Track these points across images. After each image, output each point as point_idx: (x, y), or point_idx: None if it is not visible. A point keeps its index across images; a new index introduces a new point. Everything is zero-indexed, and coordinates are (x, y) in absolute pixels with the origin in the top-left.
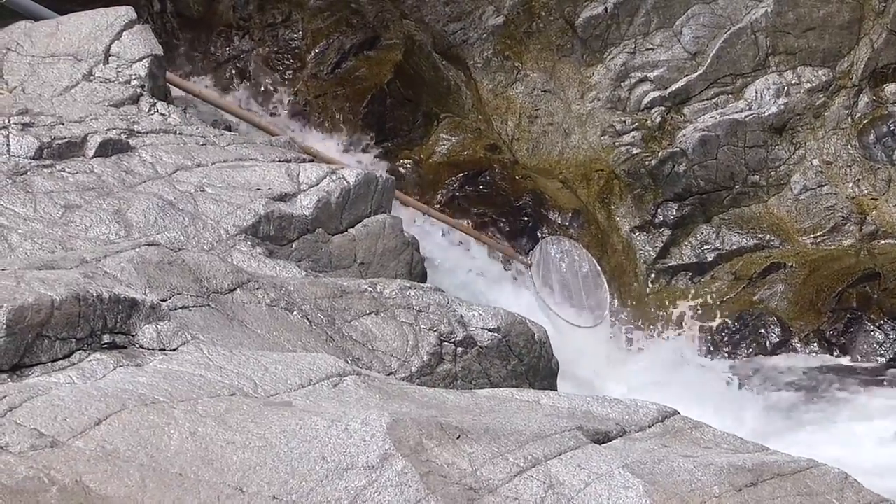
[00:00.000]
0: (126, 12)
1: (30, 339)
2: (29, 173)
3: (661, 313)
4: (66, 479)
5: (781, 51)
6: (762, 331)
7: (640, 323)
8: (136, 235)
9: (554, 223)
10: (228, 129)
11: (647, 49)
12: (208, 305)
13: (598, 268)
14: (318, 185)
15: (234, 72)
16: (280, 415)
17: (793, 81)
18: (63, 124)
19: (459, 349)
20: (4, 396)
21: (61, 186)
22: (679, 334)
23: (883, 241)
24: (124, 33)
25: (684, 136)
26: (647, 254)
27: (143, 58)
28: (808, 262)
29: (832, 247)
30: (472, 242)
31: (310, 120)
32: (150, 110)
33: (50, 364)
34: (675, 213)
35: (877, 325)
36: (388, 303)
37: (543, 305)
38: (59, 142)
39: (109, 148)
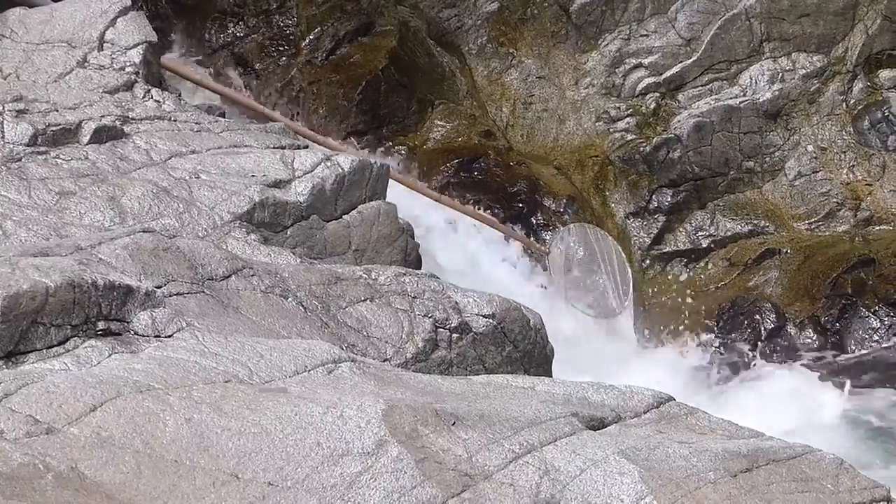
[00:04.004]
0: None
1: (25, 325)
2: (23, 160)
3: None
4: (62, 465)
5: (776, 37)
6: (757, 317)
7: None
8: (130, 222)
9: (549, 210)
10: (223, 115)
11: (641, 35)
12: (203, 292)
13: (623, 257)
14: (312, 171)
15: (229, 58)
16: (275, 401)
17: (787, 67)
18: (57, 111)
19: (454, 335)
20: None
21: (56, 173)
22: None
23: (877, 227)
24: (119, 20)
25: (679, 122)
26: (641, 240)
27: (138, 44)
28: (803, 248)
29: (827, 233)
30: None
31: (304, 106)
32: (144, 97)
33: (45, 351)
34: (669, 199)
35: (871, 310)
36: (383, 289)
37: (561, 295)
38: (54, 128)
39: (104, 135)
